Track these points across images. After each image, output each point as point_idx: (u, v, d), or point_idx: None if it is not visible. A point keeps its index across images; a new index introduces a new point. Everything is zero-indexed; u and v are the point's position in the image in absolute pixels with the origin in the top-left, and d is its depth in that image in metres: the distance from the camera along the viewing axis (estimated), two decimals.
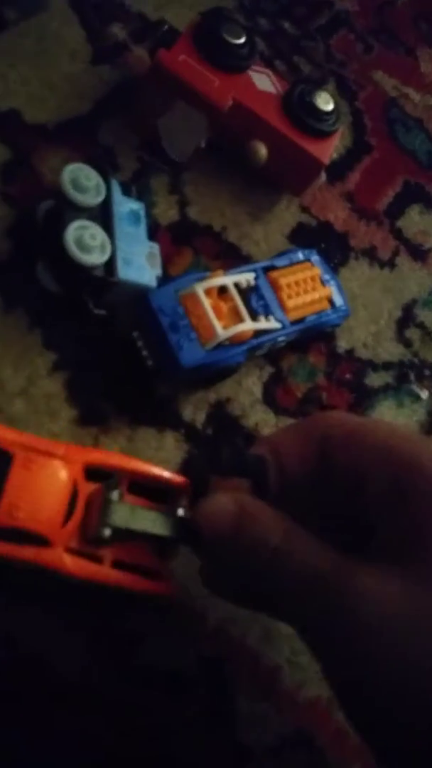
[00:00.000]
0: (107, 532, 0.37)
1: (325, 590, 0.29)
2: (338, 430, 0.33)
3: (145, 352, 0.49)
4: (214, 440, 0.50)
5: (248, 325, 0.49)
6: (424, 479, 0.29)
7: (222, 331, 0.47)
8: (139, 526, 0.37)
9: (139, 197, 0.52)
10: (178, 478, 0.42)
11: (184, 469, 0.47)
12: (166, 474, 0.42)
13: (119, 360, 0.49)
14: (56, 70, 0.57)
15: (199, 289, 0.48)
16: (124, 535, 0.37)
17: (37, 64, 0.57)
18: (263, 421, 0.53)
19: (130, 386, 0.49)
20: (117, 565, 0.39)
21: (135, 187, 0.52)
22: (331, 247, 0.64)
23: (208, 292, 0.49)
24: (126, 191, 0.51)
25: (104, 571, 0.38)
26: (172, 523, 0.37)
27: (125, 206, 0.49)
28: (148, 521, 0.37)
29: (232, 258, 0.58)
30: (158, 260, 0.50)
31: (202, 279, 0.49)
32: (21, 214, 0.50)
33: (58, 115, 0.56)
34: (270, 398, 0.54)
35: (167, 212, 0.57)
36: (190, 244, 0.57)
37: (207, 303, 0.48)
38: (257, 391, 0.54)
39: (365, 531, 0.31)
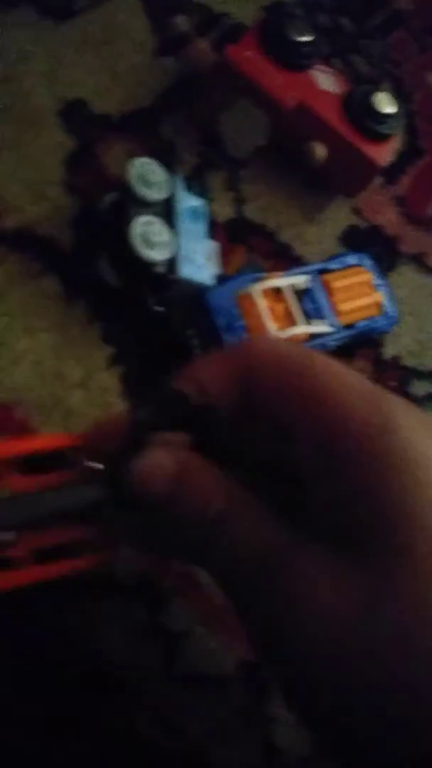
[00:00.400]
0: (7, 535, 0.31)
1: (261, 572, 0.24)
2: (265, 359, 0.27)
3: (198, 352, 0.49)
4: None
5: (301, 329, 0.49)
6: (362, 444, 0.23)
7: (276, 333, 0.48)
8: (39, 511, 0.29)
9: (200, 193, 0.52)
10: (68, 439, 0.35)
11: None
12: (54, 439, 0.36)
13: (173, 357, 0.50)
14: (122, 60, 0.57)
15: (256, 290, 0.49)
16: (31, 525, 0.31)
17: (103, 53, 0.57)
18: None
19: None
20: (42, 556, 0.33)
21: (197, 184, 0.52)
22: (381, 252, 0.64)
23: (264, 293, 0.49)
24: (188, 187, 0.51)
25: (21, 574, 0.32)
26: (79, 492, 0.30)
27: (187, 203, 0.50)
28: (47, 502, 0.29)
29: (285, 258, 0.58)
30: (217, 259, 0.51)
31: (258, 280, 0.50)
32: (85, 205, 0.50)
33: (122, 106, 0.56)
34: None
35: (224, 209, 0.57)
36: (244, 242, 0.57)
37: (262, 304, 0.48)
38: None
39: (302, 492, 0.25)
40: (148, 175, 0.47)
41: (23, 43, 0.54)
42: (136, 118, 0.56)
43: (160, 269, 0.46)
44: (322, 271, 0.54)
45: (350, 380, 0.26)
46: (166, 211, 0.48)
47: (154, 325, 0.50)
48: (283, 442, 0.26)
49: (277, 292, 0.50)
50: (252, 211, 0.58)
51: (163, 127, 0.57)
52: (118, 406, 0.47)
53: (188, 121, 0.58)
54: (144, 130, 0.56)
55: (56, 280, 0.48)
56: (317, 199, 0.62)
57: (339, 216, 0.63)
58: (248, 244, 0.57)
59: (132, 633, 0.43)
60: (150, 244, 0.45)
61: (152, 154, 0.50)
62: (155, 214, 0.47)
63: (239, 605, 0.26)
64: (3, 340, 0.45)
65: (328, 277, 0.54)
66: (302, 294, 0.52)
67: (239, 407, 0.27)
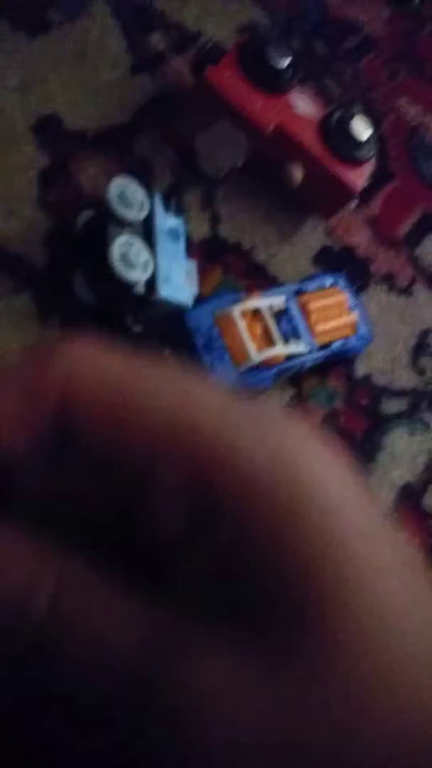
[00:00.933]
0: None
1: (141, 689, 0.15)
2: (90, 378, 0.17)
3: None
4: None
5: (279, 349, 0.49)
6: (253, 488, 0.16)
7: (255, 354, 0.48)
8: None
9: (178, 212, 0.52)
10: None
11: None
12: None
13: None
14: (97, 76, 0.57)
15: (236, 311, 0.48)
16: None
17: (77, 69, 0.56)
18: None
19: None
20: None
21: (174, 203, 0.52)
22: (353, 272, 0.64)
23: (243, 314, 0.49)
24: (166, 206, 0.50)
25: None
26: None
27: (166, 222, 0.49)
28: None
29: (260, 278, 0.58)
30: (195, 278, 0.50)
31: (237, 301, 0.50)
32: (58, 222, 0.49)
33: (97, 123, 0.55)
34: None
35: (200, 228, 0.57)
36: (220, 262, 0.57)
37: (242, 325, 0.48)
38: None
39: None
40: (128, 195, 0.46)
41: None
42: (111, 136, 0.56)
43: (139, 289, 0.46)
44: (299, 292, 0.54)
45: (217, 400, 0.17)
46: (145, 231, 0.48)
47: (129, 344, 0.49)
48: (129, 490, 0.16)
49: (255, 313, 0.50)
50: (227, 231, 0.58)
51: (138, 144, 0.57)
52: None
53: (164, 139, 0.58)
54: (119, 147, 0.56)
55: (29, 299, 0.47)
56: (292, 219, 0.62)
57: (313, 236, 0.63)
58: (224, 264, 0.57)
59: None
60: (129, 265, 0.44)
61: (128, 171, 0.49)
62: (134, 233, 0.47)
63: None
64: None
65: (304, 297, 0.54)
66: (280, 315, 0.52)
67: (57, 446, 0.17)
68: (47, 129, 0.53)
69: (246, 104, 0.53)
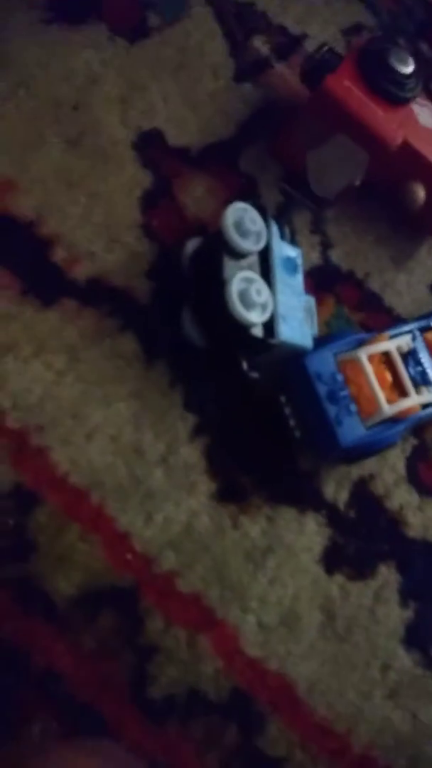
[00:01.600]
0: None
1: None
2: None
3: (292, 421, 0.43)
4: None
5: (414, 400, 0.43)
6: None
7: (387, 406, 0.42)
8: None
9: (293, 241, 0.46)
10: None
11: None
12: None
13: (261, 427, 0.44)
14: (199, 86, 0.52)
15: (363, 355, 0.42)
16: None
17: (179, 78, 0.51)
18: (407, 503, 0.47)
19: (272, 457, 0.44)
20: None
21: (287, 230, 0.46)
22: None
23: (369, 358, 0.43)
24: (281, 234, 0.45)
25: None
26: None
27: (282, 252, 0.44)
28: None
29: (375, 309, 0.52)
30: (315, 317, 0.44)
31: (363, 342, 0.44)
32: (164, 251, 0.44)
33: (200, 138, 0.50)
34: (414, 476, 0.48)
35: (309, 254, 0.51)
36: (332, 291, 0.51)
37: (370, 372, 0.42)
38: (400, 467, 0.48)
39: None
40: (246, 223, 0.40)
41: (93, 65, 0.48)
42: (215, 152, 0.50)
43: (257, 331, 0.40)
44: (425, 329, 0.48)
45: None
46: (262, 263, 0.42)
47: (240, 390, 0.44)
48: None
49: (383, 356, 0.44)
50: (340, 257, 0.52)
51: (244, 161, 0.51)
52: (203, 485, 0.41)
53: (270, 155, 0.52)
54: (224, 164, 0.50)
55: (134, 339, 0.42)
56: (407, 243, 0.56)
57: (429, 262, 0.57)
58: (336, 293, 0.51)
59: (224, 758, 0.37)
60: (248, 305, 0.39)
61: (232, 191, 0.44)
62: (249, 266, 0.41)
63: None
64: (76, 412, 0.39)
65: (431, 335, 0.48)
66: (406, 356, 0.46)
67: None
68: (149, 145, 0.47)
69: (370, 116, 0.47)
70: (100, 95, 0.48)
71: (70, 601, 0.36)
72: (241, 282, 0.39)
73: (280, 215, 0.49)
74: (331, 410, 0.41)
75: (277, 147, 0.52)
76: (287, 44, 0.58)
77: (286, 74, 0.56)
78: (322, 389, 0.41)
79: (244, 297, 0.39)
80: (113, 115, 0.47)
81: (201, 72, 0.52)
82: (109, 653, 0.36)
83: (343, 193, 0.52)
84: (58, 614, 0.35)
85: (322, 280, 0.51)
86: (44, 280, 0.41)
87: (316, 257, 0.51)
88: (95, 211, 0.44)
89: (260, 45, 0.56)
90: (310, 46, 0.57)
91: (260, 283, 0.40)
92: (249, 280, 0.39)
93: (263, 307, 0.40)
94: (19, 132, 0.44)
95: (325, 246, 0.52)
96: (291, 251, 0.44)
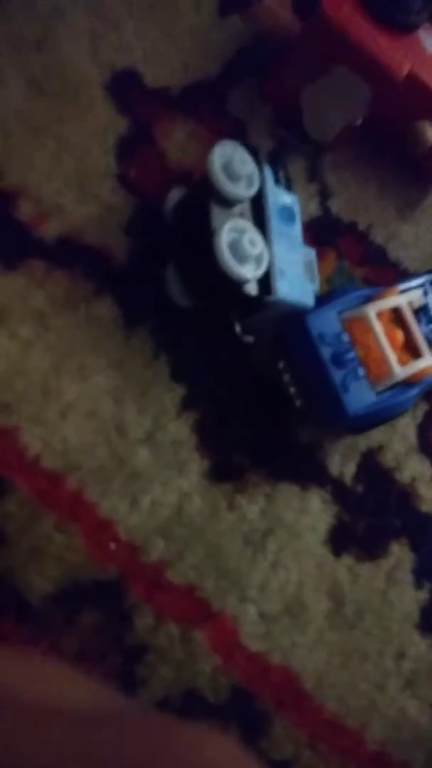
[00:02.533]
0: None
1: None
2: None
3: (292, 389, 0.39)
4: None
5: (428, 361, 0.39)
6: None
7: (399, 368, 0.37)
8: None
9: (288, 186, 0.41)
10: None
11: None
12: None
13: (258, 397, 0.39)
14: (179, 21, 0.46)
15: (371, 312, 0.38)
16: None
17: (156, 13, 0.45)
18: (420, 475, 0.43)
19: (270, 430, 0.40)
20: None
21: (282, 173, 0.41)
22: None
23: (378, 315, 0.38)
24: (276, 178, 0.40)
25: None
26: None
27: (278, 200, 0.39)
28: None
29: (379, 264, 0.47)
30: (315, 271, 0.40)
31: (370, 298, 0.39)
32: (143, 204, 0.39)
33: (182, 78, 0.44)
34: (426, 445, 0.44)
35: (307, 204, 0.46)
36: (332, 245, 0.46)
37: (380, 331, 0.38)
38: (411, 435, 0.44)
39: None
40: (236, 166, 0.36)
41: None
42: (199, 92, 0.45)
43: (251, 288, 0.36)
44: None
45: None
46: (253, 211, 0.37)
47: (232, 355, 0.39)
48: None
49: (393, 313, 0.40)
50: (340, 207, 0.47)
51: (231, 102, 0.46)
52: (195, 463, 0.37)
53: (260, 95, 0.47)
54: (209, 106, 0.45)
55: (112, 303, 0.37)
56: (413, 191, 0.51)
57: None
58: (337, 247, 0.47)
59: None
60: (241, 258, 0.34)
61: (219, 135, 0.39)
62: (240, 214, 0.37)
63: None
64: (47, 386, 0.34)
65: None
66: (417, 313, 0.41)
67: None
68: (124, 86, 0.42)
69: (373, 44, 0.42)
70: (65, 32, 0.42)
71: (47, 598, 0.32)
72: (232, 232, 0.34)
73: (273, 159, 0.44)
74: (337, 375, 0.37)
75: (267, 86, 0.47)
76: None
77: (275, 6, 0.50)
78: (325, 351, 0.37)
79: (235, 249, 0.34)
80: (82, 53, 0.42)
81: (180, 4, 0.47)
82: (93, 655, 0.32)
83: (342, 134, 0.46)
84: (34, 614, 0.32)
85: (321, 233, 0.46)
86: (7, 239, 0.36)
87: (313, 208, 0.46)
88: (64, 161, 0.39)
89: None
90: None
91: (253, 233, 0.35)
92: (241, 230, 0.35)
93: (257, 260, 0.35)
94: None
95: (324, 195, 0.47)
96: (287, 198, 0.40)
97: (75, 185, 0.39)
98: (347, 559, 0.39)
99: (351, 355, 0.37)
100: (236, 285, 0.35)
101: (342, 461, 0.41)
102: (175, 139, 0.43)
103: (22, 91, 0.39)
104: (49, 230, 0.37)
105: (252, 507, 0.38)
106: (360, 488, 0.41)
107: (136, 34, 0.45)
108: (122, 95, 0.42)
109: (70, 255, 0.37)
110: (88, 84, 0.42)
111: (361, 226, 0.48)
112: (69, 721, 0.18)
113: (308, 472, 0.40)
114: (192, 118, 0.44)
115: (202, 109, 0.45)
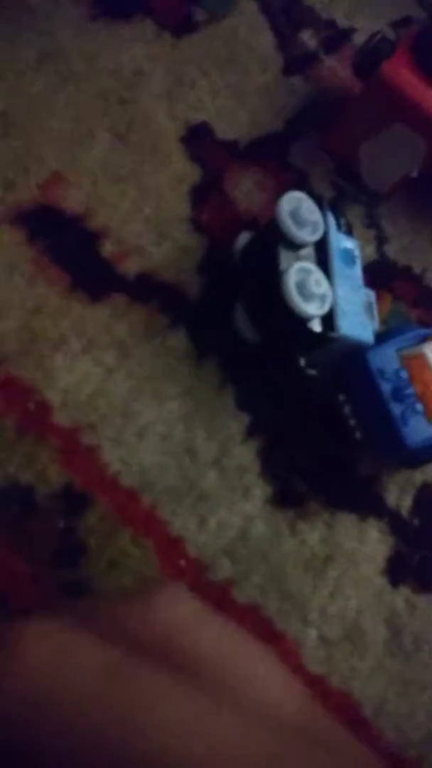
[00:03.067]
0: None
1: None
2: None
3: (352, 422, 0.41)
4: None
5: None
6: None
7: None
8: None
9: (350, 232, 0.44)
10: None
11: None
12: None
13: (319, 428, 0.41)
14: (247, 79, 0.50)
15: (429, 350, 0.40)
16: None
17: (227, 72, 0.50)
18: None
19: (330, 460, 0.41)
20: None
21: (344, 221, 0.44)
22: None
23: None
24: (338, 225, 0.43)
25: None
26: None
27: (340, 244, 0.42)
28: None
29: None
30: (375, 311, 0.42)
31: (427, 337, 0.41)
32: (214, 246, 0.43)
33: (248, 132, 0.48)
34: None
35: (364, 249, 0.49)
36: (388, 287, 0.49)
37: None
38: None
39: None
40: (303, 213, 0.38)
41: (140, 60, 0.48)
42: (265, 145, 0.49)
43: (315, 325, 0.38)
44: None
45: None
46: (319, 255, 0.40)
47: (295, 388, 0.41)
48: None
49: None
50: (396, 252, 0.50)
51: (293, 154, 0.49)
52: (258, 489, 0.39)
53: (321, 148, 0.50)
54: (274, 158, 0.49)
55: (185, 335, 0.40)
56: None
57: None
58: (393, 290, 0.49)
59: None
60: (306, 296, 0.37)
61: (283, 185, 0.42)
62: (306, 257, 0.39)
63: None
64: (127, 410, 0.37)
65: None
66: None
67: None
68: (197, 139, 0.46)
69: (429, 101, 0.45)
70: (147, 89, 0.47)
71: None
72: (300, 272, 0.37)
73: (335, 207, 0.47)
74: (396, 409, 0.38)
75: (328, 139, 0.50)
76: (335, 37, 0.56)
77: (336, 67, 0.55)
78: (385, 387, 0.39)
79: (302, 288, 0.37)
80: (161, 108, 0.46)
81: (249, 66, 0.51)
82: None
83: (398, 185, 0.49)
84: None
85: (377, 276, 0.48)
86: (93, 274, 0.39)
87: (371, 252, 0.49)
88: (144, 205, 0.42)
89: (308, 39, 0.55)
90: (358, 39, 0.56)
91: (319, 274, 0.38)
92: (307, 271, 0.37)
93: (322, 299, 0.37)
94: (68, 126, 0.43)
95: (381, 240, 0.50)
96: (348, 242, 0.42)
97: (153, 228, 0.42)
98: (404, 590, 0.40)
99: (409, 390, 0.39)
100: (301, 321, 0.37)
101: (399, 494, 0.42)
102: (243, 188, 0.46)
103: (108, 143, 0.43)
104: (130, 267, 0.40)
105: (313, 534, 0.39)
106: (416, 521, 0.42)
107: (208, 92, 0.49)
108: (196, 147, 0.46)
109: (148, 291, 0.40)
110: (166, 137, 0.46)
111: (416, 270, 0.50)
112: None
113: (366, 503, 0.41)
114: (258, 169, 0.47)
115: (267, 160, 0.48)
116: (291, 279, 0.37)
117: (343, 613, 0.38)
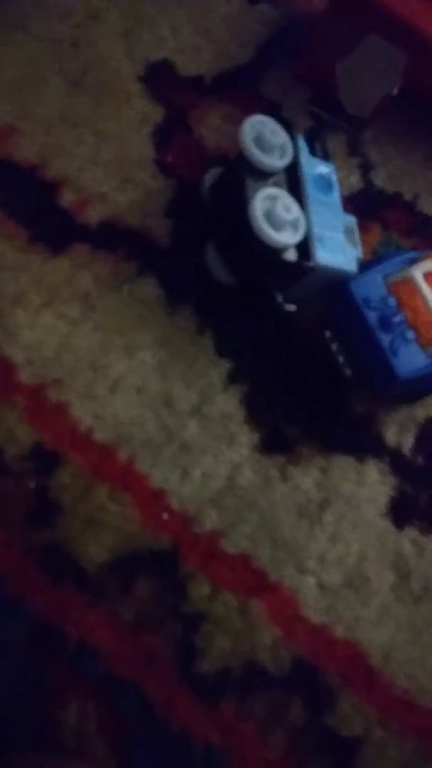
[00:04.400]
0: None
1: None
2: None
3: (341, 358, 0.38)
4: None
5: None
6: None
7: None
8: None
9: (326, 156, 0.41)
10: None
11: None
12: None
13: (306, 368, 0.39)
14: (210, 11, 0.47)
15: (417, 273, 0.37)
16: None
17: (188, 5, 0.47)
18: None
19: (321, 402, 0.39)
20: None
21: (320, 144, 0.41)
22: None
23: (426, 276, 0.37)
24: (311, 149, 0.40)
25: None
26: None
27: (314, 169, 0.39)
28: None
29: (429, 234, 0.46)
30: (357, 237, 0.39)
31: (416, 260, 0.38)
32: (181, 187, 0.40)
33: (215, 66, 0.45)
34: None
35: (347, 179, 0.45)
36: (377, 217, 0.45)
37: (429, 291, 0.36)
38: None
39: None
40: (266, 137, 0.36)
41: (94, 1, 0.45)
42: (233, 78, 0.46)
43: (290, 256, 0.35)
44: None
45: None
46: (290, 182, 0.37)
47: (277, 328, 0.39)
48: None
49: None
50: (383, 179, 0.47)
51: (265, 86, 0.46)
52: (244, 436, 0.37)
53: (295, 76, 0.47)
54: (243, 91, 0.46)
55: (154, 282, 0.38)
56: None
57: None
58: (382, 219, 0.46)
59: (291, 738, 0.32)
60: (276, 225, 0.34)
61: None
62: (274, 184, 0.37)
63: None
64: (96, 363, 0.35)
65: None
66: None
67: None
68: (159, 77, 0.44)
69: (404, 9, 0.41)
70: (101, 31, 0.44)
71: (103, 567, 0.32)
72: (266, 200, 0.34)
73: (308, 132, 0.44)
74: (384, 339, 0.36)
75: (301, 66, 0.47)
76: None
77: None
78: (371, 316, 0.36)
79: (270, 216, 0.34)
80: (117, 49, 0.44)
81: None
82: (150, 624, 0.32)
83: (380, 106, 0.46)
84: (91, 582, 0.32)
85: (364, 206, 0.45)
86: (52, 226, 0.37)
87: (355, 181, 0.46)
88: (104, 151, 0.40)
89: None
90: None
91: (287, 199, 0.35)
92: (273, 197, 0.35)
93: (294, 225, 0.35)
94: (18, 75, 0.41)
95: (366, 168, 0.47)
96: (323, 167, 0.39)
97: (115, 173, 0.40)
98: (411, 532, 0.38)
99: (398, 318, 0.36)
100: (275, 253, 0.35)
101: (399, 432, 0.40)
102: (210, 124, 0.43)
103: (62, 89, 0.41)
104: (92, 216, 0.38)
105: (306, 479, 0.37)
106: (420, 460, 0.39)
107: (168, 29, 0.46)
108: (157, 86, 0.43)
109: (112, 238, 0.38)
110: (124, 78, 0.43)
111: (407, 197, 0.47)
112: None
113: (364, 443, 0.39)
114: (226, 103, 0.45)
115: (236, 93, 0.45)
116: (257, 207, 0.34)
117: (344, 559, 0.36)
